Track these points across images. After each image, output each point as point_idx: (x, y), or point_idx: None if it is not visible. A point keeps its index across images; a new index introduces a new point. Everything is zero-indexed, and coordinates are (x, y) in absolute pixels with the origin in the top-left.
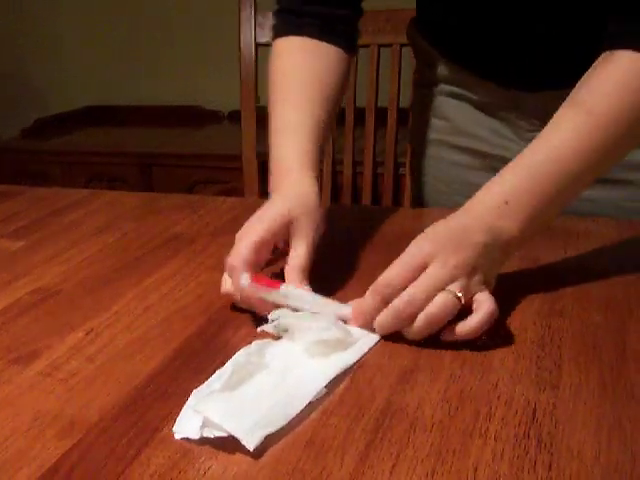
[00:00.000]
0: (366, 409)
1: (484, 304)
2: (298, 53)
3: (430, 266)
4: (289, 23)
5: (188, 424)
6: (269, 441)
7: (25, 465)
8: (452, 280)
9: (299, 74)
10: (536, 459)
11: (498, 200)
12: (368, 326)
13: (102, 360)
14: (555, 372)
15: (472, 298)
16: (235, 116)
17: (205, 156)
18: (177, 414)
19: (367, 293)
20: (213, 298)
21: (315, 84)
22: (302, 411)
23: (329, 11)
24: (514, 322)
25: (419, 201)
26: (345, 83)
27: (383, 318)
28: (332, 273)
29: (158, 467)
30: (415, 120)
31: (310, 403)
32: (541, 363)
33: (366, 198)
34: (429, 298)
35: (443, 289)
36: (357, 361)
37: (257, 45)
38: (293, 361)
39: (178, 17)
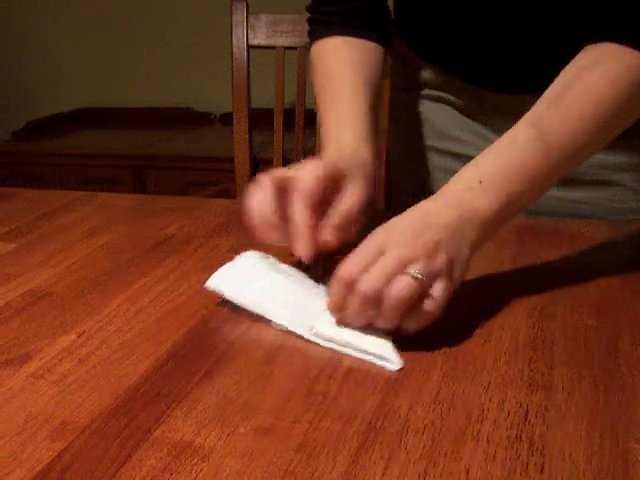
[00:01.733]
0: (358, 411)
1: (428, 301)
2: (338, 49)
3: (387, 251)
4: (322, 28)
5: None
6: (262, 443)
7: (17, 467)
8: (411, 261)
9: (348, 66)
10: (528, 461)
11: (472, 181)
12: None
13: (94, 362)
14: (547, 374)
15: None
16: (227, 118)
17: (198, 158)
18: (169, 416)
19: (333, 286)
20: (205, 300)
21: (363, 75)
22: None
23: (356, 6)
24: (506, 324)
25: (404, 205)
26: (385, 75)
27: (351, 308)
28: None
29: (150, 469)
30: (395, 124)
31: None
32: (533, 365)
33: None
34: (388, 280)
35: (402, 271)
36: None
37: (249, 47)
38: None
39: (170, 19)
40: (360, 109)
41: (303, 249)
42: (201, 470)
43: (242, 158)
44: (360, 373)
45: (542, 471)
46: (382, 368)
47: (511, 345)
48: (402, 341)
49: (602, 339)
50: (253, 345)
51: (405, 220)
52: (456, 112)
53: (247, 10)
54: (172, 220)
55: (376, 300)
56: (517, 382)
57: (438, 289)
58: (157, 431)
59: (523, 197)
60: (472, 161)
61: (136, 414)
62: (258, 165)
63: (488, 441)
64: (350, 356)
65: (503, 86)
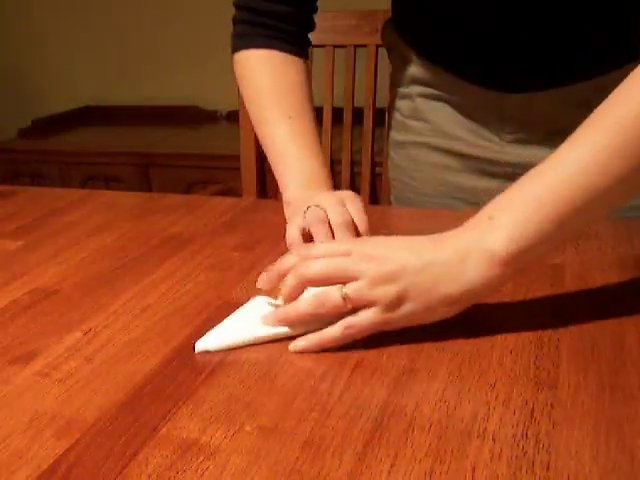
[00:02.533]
0: (364, 409)
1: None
2: (274, 67)
3: (350, 255)
4: (253, 35)
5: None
6: (268, 441)
7: (23, 465)
8: (356, 277)
9: (286, 88)
10: (534, 459)
11: (482, 217)
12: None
13: (100, 360)
14: (553, 372)
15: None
16: (233, 116)
17: (203, 156)
18: (175, 414)
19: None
20: (210, 298)
21: (302, 97)
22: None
23: (284, 27)
24: (512, 322)
25: (400, 203)
26: (311, 89)
27: (288, 277)
28: None
29: (156, 467)
30: (392, 122)
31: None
32: (539, 363)
33: (364, 198)
34: (320, 278)
35: (342, 280)
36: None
37: None
38: None
39: (176, 16)
40: (317, 142)
41: None
42: (207, 468)
43: (248, 156)
44: (365, 372)
45: (548, 469)
46: (387, 366)
47: (516, 343)
48: (408, 339)
49: (607, 336)
50: (259, 343)
51: (393, 240)
52: (454, 110)
53: None
54: (178, 218)
55: (300, 286)
56: (523, 380)
57: (355, 318)
58: (163, 429)
59: (542, 237)
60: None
61: (142, 412)
62: (264, 163)
63: (494, 439)
64: (356, 354)
65: (503, 85)
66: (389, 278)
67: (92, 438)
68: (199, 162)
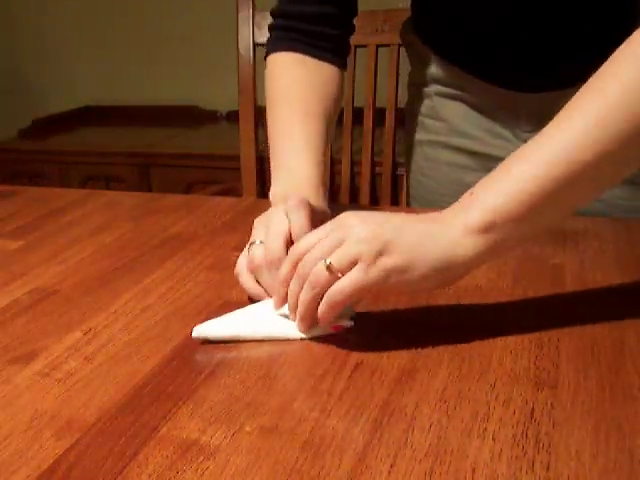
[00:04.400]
0: (364, 409)
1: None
2: (296, 68)
3: (332, 233)
4: (284, 39)
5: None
6: (268, 441)
7: (23, 465)
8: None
9: (300, 89)
10: (534, 459)
11: (466, 194)
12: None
13: (100, 360)
14: (553, 372)
15: None
16: (233, 116)
17: (203, 156)
18: (175, 414)
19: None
20: (211, 298)
21: (315, 99)
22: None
23: (321, 30)
24: (512, 322)
25: (416, 202)
26: (339, 97)
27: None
28: None
29: (156, 467)
30: (410, 121)
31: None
32: (539, 363)
33: (364, 198)
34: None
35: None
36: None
37: (255, 45)
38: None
39: (176, 17)
40: (318, 146)
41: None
42: (207, 468)
43: (248, 156)
44: (366, 372)
45: (548, 469)
46: (387, 366)
47: (517, 343)
48: (408, 339)
49: (607, 337)
50: (259, 343)
51: (380, 214)
52: (469, 109)
53: (253, 8)
54: (178, 218)
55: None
56: (523, 380)
57: (337, 283)
58: (163, 429)
59: (524, 211)
60: None
61: (142, 412)
62: (264, 163)
63: (494, 439)
64: (356, 355)
65: (517, 84)
66: (370, 236)
67: (92, 438)
68: (199, 162)
